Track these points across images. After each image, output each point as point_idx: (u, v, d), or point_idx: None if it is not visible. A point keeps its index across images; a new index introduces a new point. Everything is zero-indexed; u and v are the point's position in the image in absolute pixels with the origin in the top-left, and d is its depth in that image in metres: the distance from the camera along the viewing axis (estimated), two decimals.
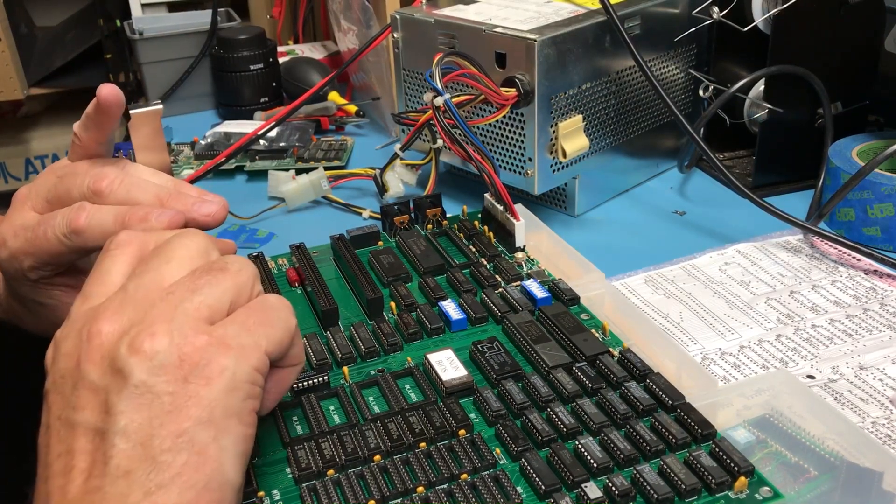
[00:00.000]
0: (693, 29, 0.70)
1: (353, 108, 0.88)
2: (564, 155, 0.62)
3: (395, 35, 0.69)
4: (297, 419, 0.41)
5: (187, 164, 0.80)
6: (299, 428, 0.40)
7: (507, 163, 0.64)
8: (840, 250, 0.60)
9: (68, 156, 0.47)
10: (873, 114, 0.75)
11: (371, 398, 0.42)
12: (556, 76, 0.61)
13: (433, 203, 0.59)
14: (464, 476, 0.36)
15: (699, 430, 0.38)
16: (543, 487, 0.35)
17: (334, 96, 0.89)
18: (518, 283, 0.51)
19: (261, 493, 0.36)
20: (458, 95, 0.60)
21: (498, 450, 0.38)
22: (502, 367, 0.43)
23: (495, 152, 0.65)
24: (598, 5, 0.65)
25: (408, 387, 0.43)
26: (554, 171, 0.64)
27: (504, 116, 0.61)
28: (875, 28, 0.69)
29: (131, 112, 0.50)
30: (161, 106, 0.51)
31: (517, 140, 0.62)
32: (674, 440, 0.37)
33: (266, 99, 0.93)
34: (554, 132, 0.62)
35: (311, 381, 0.42)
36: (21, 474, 0.37)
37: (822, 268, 0.59)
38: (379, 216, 0.61)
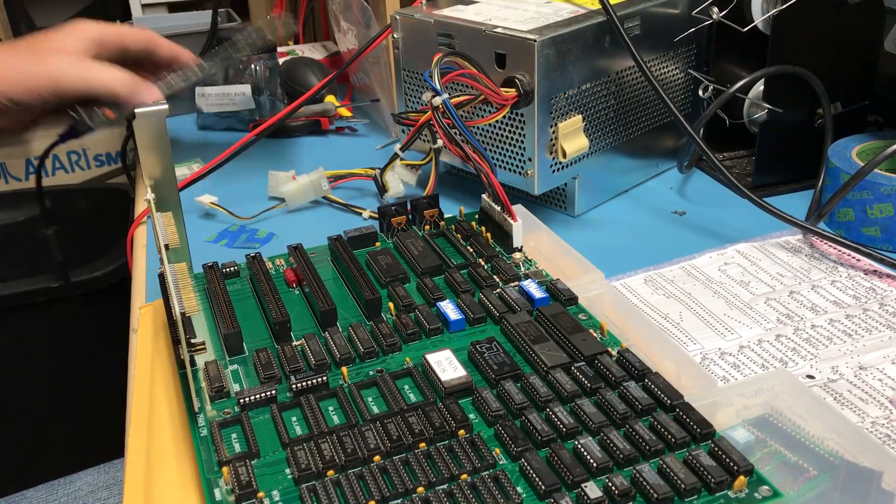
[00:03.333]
0: (693, 29, 0.70)
1: (346, 112, 0.88)
2: (564, 155, 0.62)
3: (395, 35, 0.69)
4: (296, 420, 0.41)
5: (187, 164, 0.80)
6: (298, 429, 0.40)
7: (507, 163, 0.64)
8: (839, 250, 0.60)
9: None
10: (873, 114, 0.75)
11: (370, 398, 0.42)
12: (555, 76, 0.61)
13: (430, 204, 0.59)
14: (464, 476, 0.36)
15: (698, 430, 0.38)
16: (543, 487, 0.35)
17: (331, 100, 0.89)
18: (516, 283, 0.51)
19: (260, 494, 0.36)
20: (459, 95, 0.61)
21: (497, 450, 0.38)
22: (501, 367, 0.43)
23: (495, 152, 0.65)
24: (597, 6, 0.65)
25: (407, 387, 0.43)
26: (554, 171, 0.64)
27: (504, 117, 0.61)
28: (874, 28, 0.69)
29: (136, 111, 0.50)
30: (167, 105, 0.51)
31: (517, 140, 0.63)
32: (673, 440, 0.38)
33: None
34: (554, 132, 0.62)
35: (309, 382, 0.42)
36: None
37: (821, 268, 0.59)
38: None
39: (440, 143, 0.59)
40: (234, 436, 0.40)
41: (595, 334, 0.45)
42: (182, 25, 0.98)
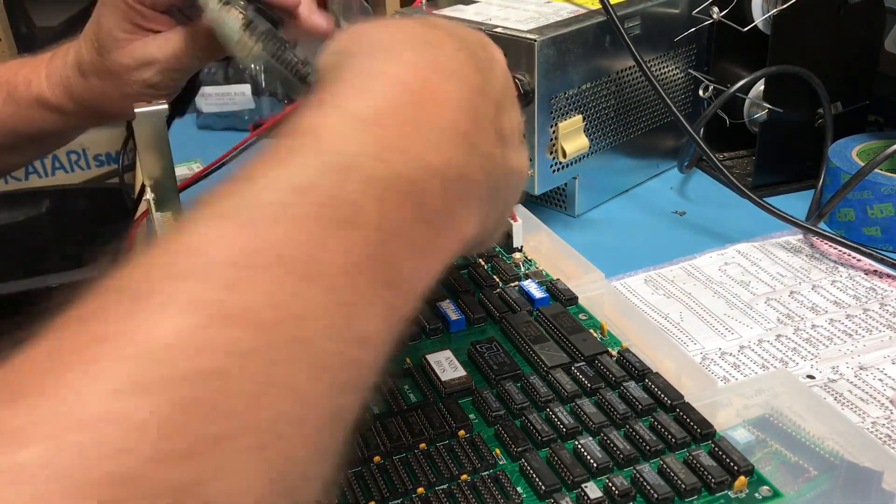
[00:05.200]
0: (693, 29, 0.70)
1: None
2: (564, 155, 0.62)
3: None
4: None
5: (187, 164, 0.80)
6: None
7: None
8: (840, 250, 0.60)
9: None
10: (873, 114, 0.75)
11: (370, 398, 0.42)
12: (556, 76, 0.61)
13: None
14: (464, 476, 0.36)
15: (699, 430, 0.38)
16: (543, 487, 0.35)
17: None
18: (516, 283, 0.50)
19: None
20: None
21: (497, 450, 0.38)
22: (501, 367, 0.43)
23: None
24: (598, 5, 0.65)
25: (406, 387, 0.42)
26: (554, 171, 0.64)
27: None
28: (875, 28, 0.69)
29: (136, 111, 0.50)
30: (166, 105, 0.51)
31: None
32: (673, 440, 0.37)
33: None
34: (554, 132, 0.62)
35: None
36: None
37: (821, 268, 0.59)
38: None
39: None
40: None
41: (595, 334, 0.45)
42: None
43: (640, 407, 0.39)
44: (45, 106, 0.55)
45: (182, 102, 0.59)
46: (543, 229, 0.56)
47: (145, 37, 0.53)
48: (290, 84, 0.50)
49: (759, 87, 0.68)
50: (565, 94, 0.62)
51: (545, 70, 0.60)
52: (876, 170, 0.59)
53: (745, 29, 0.67)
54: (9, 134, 0.56)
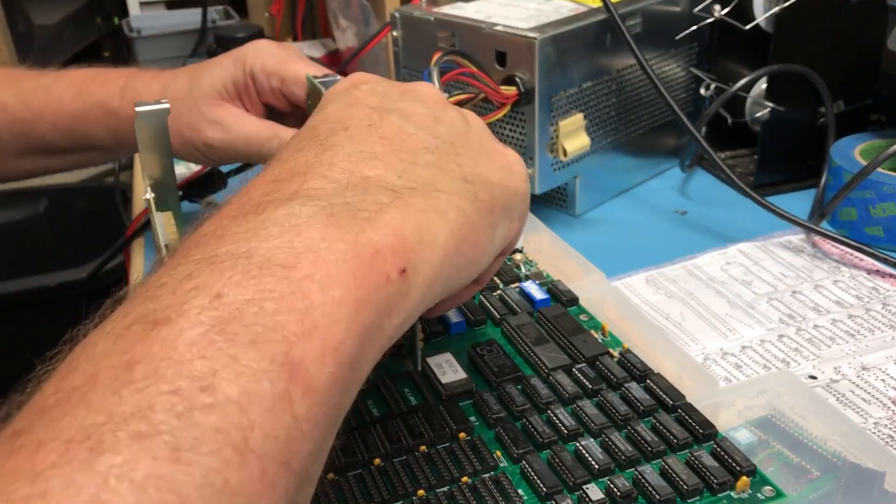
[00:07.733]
0: (694, 27, 0.69)
1: None
2: (565, 154, 0.62)
3: (394, 33, 0.68)
4: None
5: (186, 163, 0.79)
6: None
7: None
8: (842, 250, 0.60)
9: None
10: (875, 113, 0.75)
11: (370, 401, 0.42)
12: (556, 75, 0.60)
13: None
14: (464, 479, 0.36)
15: (700, 431, 0.38)
16: (545, 489, 0.35)
17: None
18: (517, 284, 0.50)
19: None
20: (459, 94, 0.60)
21: (498, 452, 0.38)
22: (502, 369, 0.42)
23: None
24: (598, 3, 0.64)
25: (407, 390, 0.42)
26: (555, 170, 0.63)
27: (504, 115, 0.61)
28: (877, 27, 0.69)
29: (137, 109, 0.50)
30: (168, 105, 0.50)
31: (518, 139, 0.62)
32: (675, 441, 0.37)
33: None
34: (554, 131, 0.62)
35: None
36: None
37: (824, 267, 0.59)
38: None
39: None
40: None
41: (596, 335, 0.45)
42: (180, 23, 0.98)
43: (641, 408, 0.39)
44: (107, 110, 0.59)
45: (201, 187, 0.62)
46: (544, 230, 0.55)
47: (233, 105, 0.56)
48: None
49: (761, 85, 0.68)
50: (566, 92, 0.62)
51: (546, 68, 0.59)
52: (878, 169, 0.59)
53: (747, 27, 0.66)
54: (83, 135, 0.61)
